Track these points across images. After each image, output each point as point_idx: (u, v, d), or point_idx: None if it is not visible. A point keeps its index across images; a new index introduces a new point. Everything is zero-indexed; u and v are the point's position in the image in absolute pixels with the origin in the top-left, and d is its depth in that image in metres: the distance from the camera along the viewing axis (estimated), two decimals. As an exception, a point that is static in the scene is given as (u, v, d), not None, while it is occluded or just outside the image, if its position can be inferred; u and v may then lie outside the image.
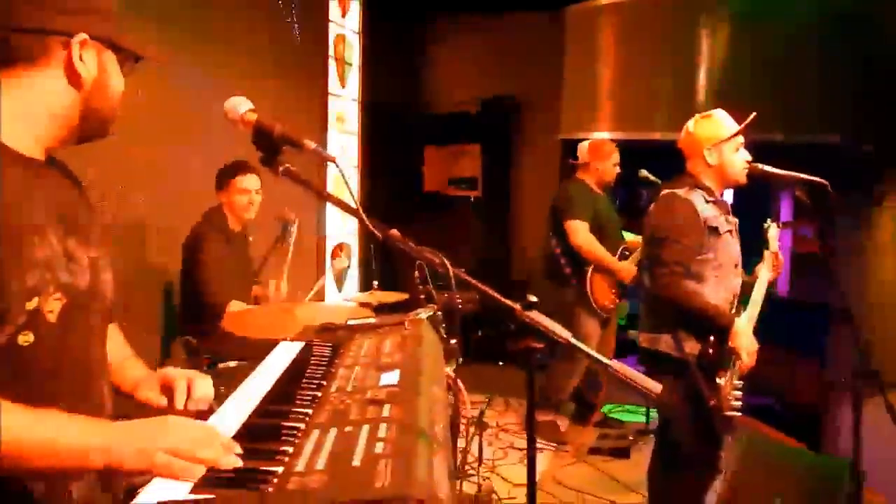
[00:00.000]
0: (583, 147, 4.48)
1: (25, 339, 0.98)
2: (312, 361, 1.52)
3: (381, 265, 4.24)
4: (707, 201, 2.60)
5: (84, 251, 1.12)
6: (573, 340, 1.08)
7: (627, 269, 4.27)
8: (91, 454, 0.94)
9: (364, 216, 1.13)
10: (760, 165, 2.63)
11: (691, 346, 2.54)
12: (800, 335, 6.59)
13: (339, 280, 5.73)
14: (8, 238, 0.97)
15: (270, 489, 0.89)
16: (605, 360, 1.09)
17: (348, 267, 5.88)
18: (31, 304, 0.99)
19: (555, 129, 5.97)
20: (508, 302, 1.09)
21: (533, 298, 1.05)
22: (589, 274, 4.27)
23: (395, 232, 1.15)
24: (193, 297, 3.20)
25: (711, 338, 2.51)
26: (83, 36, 1.07)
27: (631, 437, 4.38)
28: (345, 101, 5.59)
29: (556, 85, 6.02)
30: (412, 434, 1.01)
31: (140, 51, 1.16)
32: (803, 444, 4.28)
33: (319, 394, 1.28)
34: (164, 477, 0.94)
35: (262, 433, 1.11)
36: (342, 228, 5.68)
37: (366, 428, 1.05)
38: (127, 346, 1.38)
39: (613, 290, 4.36)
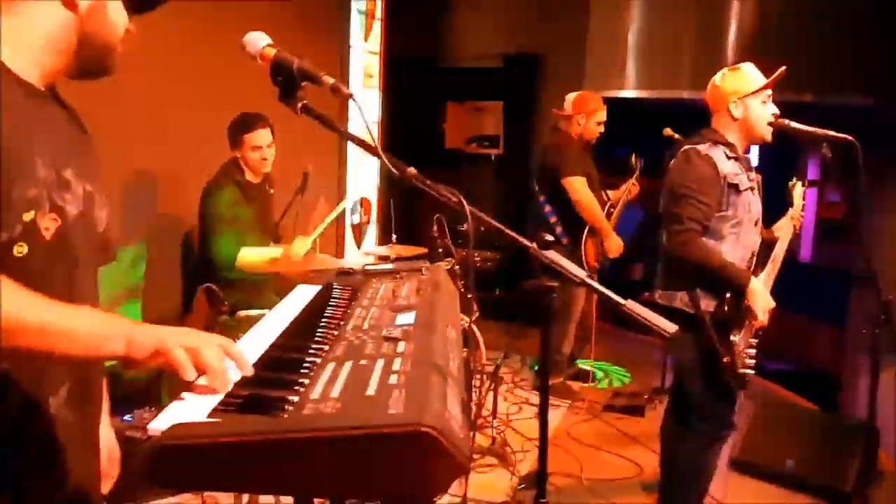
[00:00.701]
0: (569, 98, 4.35)
1: (20, 249, 1.01)
2: (330, 302, 1.53)
3: (399, 220, 4.24)
4: (728, 157, 2.56)
5: (79, 183, 1.13)
6: (588, 280, 1.08)
7: (616, 244, 4.29)
8: (112, 341, 0.97)
9: (383, 154, 1.12)
10: (786, 121, 2.58)
11: (707, 304, 2.52)
12: (820, 301, 6.55)
13: (358, 235, 5.75)
14: (11, 151, 0.99)
15: (285, 415, 0.91)
16: (619, 298, 1.08)
17: (368, 222, 5.89)
18: (29, 216, 1.01)
19: (579, 87, 5.88)
20: (524, 240, 1.09)
21: (549, 238, 1.05)
22: (584, 236, 4.25)
23: (412, 170, 1.14)
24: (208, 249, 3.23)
25: (727, 295, 2.49)
26: None
27: (646, 396, 4.39)
28: (366, 55, 5.54)
29: (580, 42, 5.92)
30: (426, 367, 1.02)
31: None
32: (817, 408, 4.29)
33: (335, 332, 1.30)
34: (174, 369, 0.98)
35: (278, 364, 1.13)
36: (360, 184, 5.68)
37: (380, 362, 1.06)
38: None
39: (599, 253, 4.36)
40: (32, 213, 1.02)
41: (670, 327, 1.06)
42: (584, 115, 4.29)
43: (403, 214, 4.35)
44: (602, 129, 4.36)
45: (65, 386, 1.11)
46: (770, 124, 2.58)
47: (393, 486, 0.84)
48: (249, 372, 1.05)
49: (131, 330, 0.99)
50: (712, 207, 2.51)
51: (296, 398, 0.96)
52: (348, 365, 1.06)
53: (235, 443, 0.83)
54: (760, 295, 2.51)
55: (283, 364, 1.12)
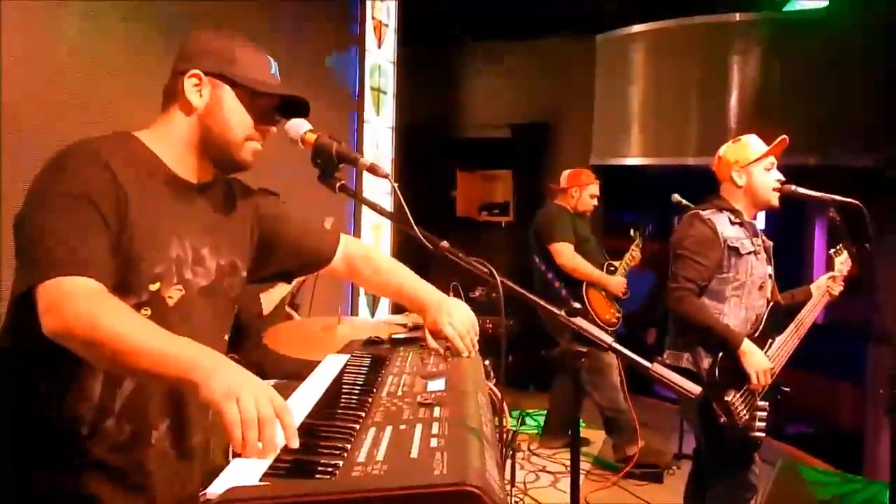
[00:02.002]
0: (564, 174, 4.62)
1: (145, 312, 1.24)
2: (361, 370, 1.59)
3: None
4: (733, 223, 2.66)
5: (215, 258, 1.39)
6: (615, 345, 1.14)
7: (616, 281, 4.37)
8: (193, 371, 1.07)
9: (416, 227, 1.20)
10: (793, 186, 2.67)
11: (707, 364, 2.58)
12: (839, 361, 6.51)
13: (373, 303, 5.80)
14: (150, 234, 1.26)
15: (334, 478, 0.95)
16: (644, 361, 1.14)
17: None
18: (154, 287, 1.26)
19: (587, 154, 6.04)
20: (553, 308, 1.15)
21: (577, 305, 1.11)
22: (584, 291, 4.33)
23: (445, 243, 1.22)
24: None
25: (720, 355, 2.55)
26: (195, 71, 1.32)
27: (665, 462, 4.35)
28: (379, 128, 5.72)
29: (587, 111, 6.11)
30: (464, 430, 1.07)
31: (252, 85, 1.34)
32: (840, 471, 4.24)
33: (370, 399, 1.35)
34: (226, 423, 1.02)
35: (318, 432, 1.18)
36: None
37: (419, 426, 1.11)
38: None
39: (612, 305, 4.43)
40: (158, 284, 1.26)
41: (694, 389, 1.11)
42: (577, 188, 4.54)
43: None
44: (595, 201, 4.61)
45: (165, 423, 1.33)
46: (776, 190, 2.67)
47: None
48: (295, 444, 1.07)
49: (218, 367, 1.07)
50: (709, 269, 2.61)
51: (341, 462, 1.01)
52: (389, 429, 1.11)
53: (292, 503, 0.88)
54: (753, 356, 2.54)
55: (325, 430, 1.17)
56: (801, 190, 2.64)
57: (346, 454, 1.05)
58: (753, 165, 2.70)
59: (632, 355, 1.16)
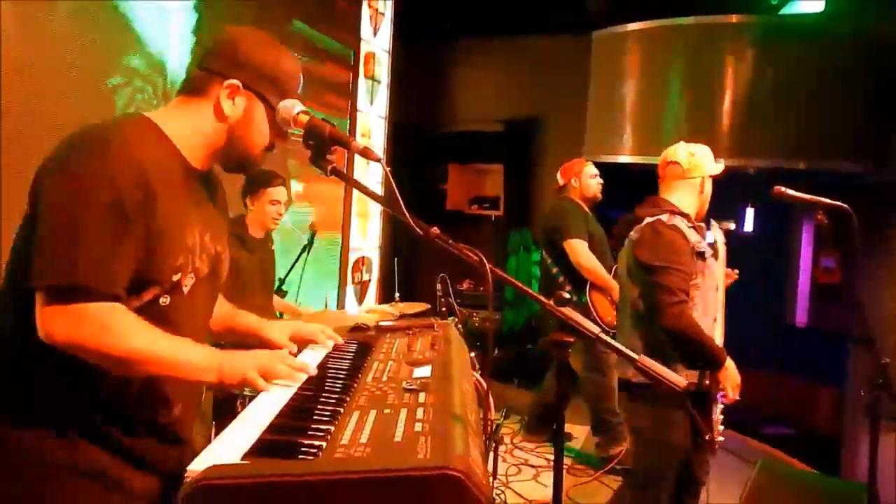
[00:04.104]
0: (558, 172, 4.57)
1: (164, 301, 1.29)
2: (346, 356, 1.59)
3: (401, 279, 4.30)
4: (688, 226, 2.60)
5: (213, 245, 1.42)
6: (603, 336, 1.13)
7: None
8: (207, 372, 1.28)
9: (407, 213, 1.19)
10: (784, 189, 2.66)
11: (685, 376, 2.54)
12: (819, 364, 6.57)
13: (361, 291, 5.80)
14: (174, 228, 1.29)
15: (317, 459, 0.95)
16: (632, 353, 1.14)
17: (369, 280, 5.96)
18: (176, 277, 1.30)
19: (578, 151, 6.03)
20: (541, 297, 1.15)
21: (566, 295, 1.11)
22: (588, 292, 4.30)
23: (436, 230, 1.21)
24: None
25: (706, 371, 2.51)
26: (234, 82, 1.34)
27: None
28: (371, 118, 5.70)
29: (579, 108, 6.10)
30: (449, 416, 1.07)
31: (275, 105, 1.36)
32: (818, 472, 4.28)
33: (355, 384, 1.35)
34: (252, 387, 1.31)
35: (302, 414, 1.17)
36: (364, 242, 5.77)
37: (404, 411, 1.11)
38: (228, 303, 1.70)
39: (614, 307, 4.40)
40: (179, 275, 1.31)
41: (681, 382, 1.11)
42: (574, 177, 4.46)
43: (405, 272, 4.42)
44: (599, 181, 4.50)
45: (178, 406, 1.39)
46: (771, 192, 2.65)
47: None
48: (314, 372, 1.40)
49: (222, 363, 1.29)
50: (690, 276, 2.51)
51: (324, 444, 1.01)
52: (373, 413, 1.11)
53: (273, 483, 0.87)
54: (732, 370, 2.51)
55: (309, 412, 1.17)
56: (792, 192, 2.64)
57: (329, 436, 1.05)
58: (708, 178, 2.74)
59: (617, 345, 1.17)
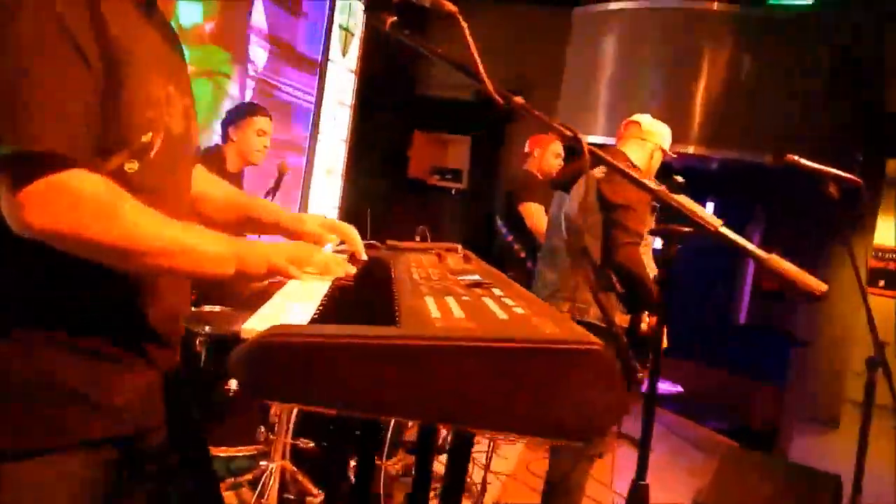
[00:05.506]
0: (527, 141, 4.50)
1: (131, 166, 1.01)
2: (368, 266, 1.36)
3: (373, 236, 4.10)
4: None
5: (180, 98, 1.11)
6: (723, 230, 0.97)
7: None
8: (226, 262, 1.02)
9: (487, 79, 1.01)
10: (796, 157, 2.59)
11: (620, 318, 2.49)
12: (760, 361, 6.68)
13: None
14: (136, 70, 0.99)
15: (406, 327, 0.74)
16: (762, 252, 0.99)
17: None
18: (146, 138, 1.02)
19: (549, 128, 5.92)
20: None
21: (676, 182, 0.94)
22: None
23: (520, 99, 1.03)
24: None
25: (646, 312, 2.49)
26: None
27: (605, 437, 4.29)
28: (343, 71, 5.43)
29: (554, 83, 5.98)
30: (540, 305, 0.88)
31: None
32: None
33: (395, 287, 1.13)
34: (282, 275, 1.05)
35: (356, 304, 0.96)
36: (325, 205, 5.51)
37: (487, 298, 0.91)
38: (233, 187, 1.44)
39: None
40: (150, 134, 1.02)
41: (821, 286, 0.96)
42: (539, 148, 4.36)
43: (371, 236, 4.21)
44: (560, 161, 4.39)
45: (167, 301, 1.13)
46: (783, 160, 2.60)
47: (547, 416, 0.68)
48: (350, 269, 1.12)
49: (242, 250, 1.03)
50: (644, 224, 2.55)
51: (398, 319, 0.80)
52: (451, 299, 0.90)
53: (359, 345, 0.67)
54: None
55: (364, 303, 0.96)
56: (805, 161, 2.57)
57: (399, 315, 0.83)
58: (662, 153, 2.83)
59: (743, 242, 1.01)
